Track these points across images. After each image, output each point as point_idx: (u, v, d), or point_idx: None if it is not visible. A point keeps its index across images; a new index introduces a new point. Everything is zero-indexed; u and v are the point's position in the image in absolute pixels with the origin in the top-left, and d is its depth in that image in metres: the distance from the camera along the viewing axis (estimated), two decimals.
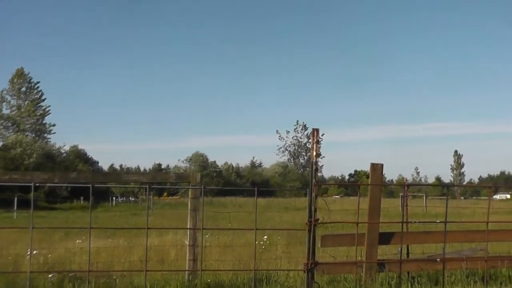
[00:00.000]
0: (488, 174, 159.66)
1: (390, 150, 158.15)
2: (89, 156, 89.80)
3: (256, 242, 7.68)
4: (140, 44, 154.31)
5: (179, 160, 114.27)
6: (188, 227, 8.56)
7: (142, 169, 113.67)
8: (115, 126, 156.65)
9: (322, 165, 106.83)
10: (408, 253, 9.35)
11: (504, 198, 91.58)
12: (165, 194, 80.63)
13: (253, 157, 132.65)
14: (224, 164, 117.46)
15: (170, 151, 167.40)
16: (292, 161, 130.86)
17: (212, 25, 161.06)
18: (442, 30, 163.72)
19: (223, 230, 16.24)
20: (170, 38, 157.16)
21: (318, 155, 7.36)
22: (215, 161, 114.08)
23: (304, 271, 7.35)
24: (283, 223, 23.54)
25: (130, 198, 77.84)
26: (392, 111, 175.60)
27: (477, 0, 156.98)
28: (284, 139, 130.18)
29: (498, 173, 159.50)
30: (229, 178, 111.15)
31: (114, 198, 68.62)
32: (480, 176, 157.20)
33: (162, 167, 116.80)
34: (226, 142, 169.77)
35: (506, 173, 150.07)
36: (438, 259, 8.32)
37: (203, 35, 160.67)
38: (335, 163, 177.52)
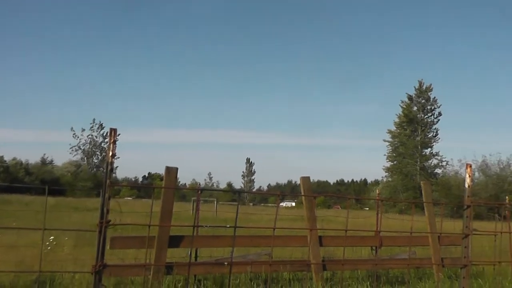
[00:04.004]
0: (277, 183, 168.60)
1: (186, 154, 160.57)
2: None
3: (42, 243, 7.35)
4: None
5: None
6: None
7: None
8: None
9: (117, 166, 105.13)
10: (196, 257, 9.53)
11: (289, 205, 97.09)
12: None
13: (44, 154, 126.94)
14: (12, 159, 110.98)
15: None
16: (86, 160, 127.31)
17: None
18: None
19: (7, 229, 15.31)
20: None
21: (114, 155, 7.24)
22: (2, 156, 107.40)
23: (92, 274, 7.17)
24: (72, 223, 22.75)
25: None
26: (189, 115, 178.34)
27: None
28: (78, 138, 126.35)
29: (286, 182, 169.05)
30: (17, 174, 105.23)
31: None
32: (269, 184, 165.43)
33: None
34: (15, 136, 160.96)
35: (293, 182, 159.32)
36: (225, 263, 8.56)
37: None
38: (129, 165, 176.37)
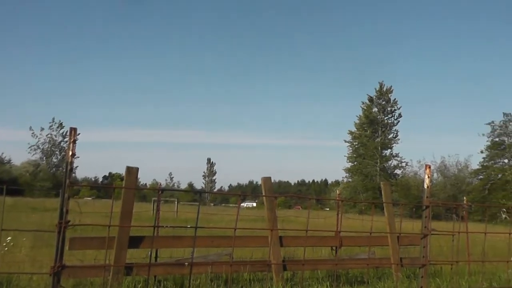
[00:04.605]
0: (238, 183, 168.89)
1: (146, 154, 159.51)
2: None
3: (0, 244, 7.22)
4: None
5: None
6: None
7: None
8: None
9: (77, 166, 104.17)
10: (156, 257, 9.47)
11: (250, 206, 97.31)
12: None
13: (2, 153, 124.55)
14: None
15: None
16: (45, 160, 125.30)
17: None
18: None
19: None
20: None
21: (73, 155, 7.14)
22: None
23: (50, 275, 7.06)
24: (30, 224, 22.38)
25: None
26: (150, 115, 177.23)
27: None
28: (37, 137, 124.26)
29: (247, 182, 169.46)
30: None
31: None
32: (230, 184, 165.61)
33: None
34: None
35: (254, 182, 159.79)
36: (186, 263, 8.53)
37: None
38: (89, 164, 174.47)
